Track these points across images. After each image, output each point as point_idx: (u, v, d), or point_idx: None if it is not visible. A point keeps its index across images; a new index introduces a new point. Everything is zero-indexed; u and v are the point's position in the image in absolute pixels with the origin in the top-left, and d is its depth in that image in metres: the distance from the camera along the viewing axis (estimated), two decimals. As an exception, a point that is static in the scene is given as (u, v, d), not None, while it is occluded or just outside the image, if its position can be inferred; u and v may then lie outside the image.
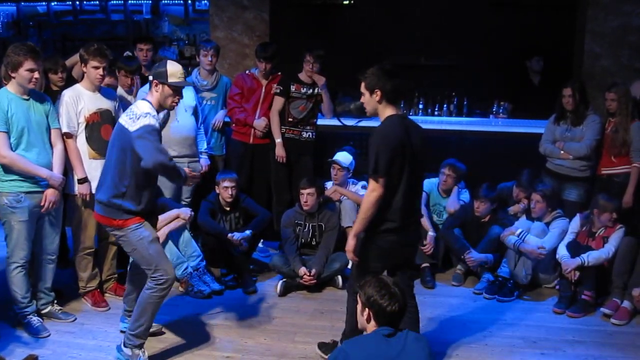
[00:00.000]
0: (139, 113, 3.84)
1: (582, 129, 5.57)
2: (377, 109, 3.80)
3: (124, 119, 3.92)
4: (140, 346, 4.09)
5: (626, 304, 4.97)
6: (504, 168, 6.09)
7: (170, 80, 3.91)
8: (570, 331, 4.79)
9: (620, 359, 4.38)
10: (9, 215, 4.40)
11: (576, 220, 5.41)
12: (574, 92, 5.52)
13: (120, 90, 5.39)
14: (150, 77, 3.98)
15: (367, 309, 2.99)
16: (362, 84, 3.82)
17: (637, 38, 6.49)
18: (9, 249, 4.47)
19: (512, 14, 7.52)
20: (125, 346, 4.08)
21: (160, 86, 3.93)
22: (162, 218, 5.18)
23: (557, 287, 5.34)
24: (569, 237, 5.35)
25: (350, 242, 3.85)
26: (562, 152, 5.61)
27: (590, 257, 5.09)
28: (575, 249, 5.21)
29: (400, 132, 3.70)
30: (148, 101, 3.95)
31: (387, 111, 3.78)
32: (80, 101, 4.67)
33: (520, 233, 5.36)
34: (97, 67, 4.63)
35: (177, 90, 3.97)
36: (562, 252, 5.24)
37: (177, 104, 4.06)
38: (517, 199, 5.85)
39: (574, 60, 6.98)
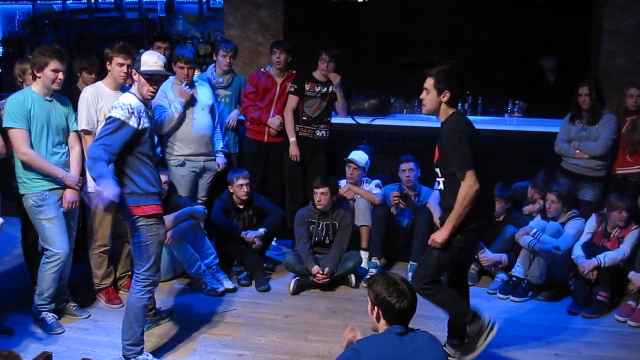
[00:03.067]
0: (115, 104, 3.87)
1: (597, 128, 5.52)
2: (439, 108, 3.78)
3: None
4: (141, 352, 4.06)
5: (643, 305, 4.93)
6: (518, 167, 6.06)
7: (142, 68, 3.90)
8: (585, 332, 4.76)
9: (635, 360, 4.35)
10: (38, 215, 4.45)
11: (592, 221, 5.37)
12: (591, 91, 5.48)
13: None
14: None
15: (376, 307, 2.98)
16: (431, 82, 3.77)
17: (654, 36, 6.44)
18: (47, 247, 4.50)
19: (527, 13, 7.47)
20: (126, 358, 4.03)
21: (137, 75, 3.95)
22: (175, 216, 5.21)
23: (572, 287, 5.30)
24: (584, 238, 5.31)
25: (444, 234, 3.79)
26: (577, 151, 5.57)
27: (607, 258, 5.05)
28: (591, 249, 5.18)
29: (469, 126, 3.76)
30: (132, 93, 3.97)
31: (449, 111, 3.78)
32: (101, 99, 4.68)
33: (535, 233, 5.33)
34: (121, 65, 4.64)
35: (151, 79, 3.93)
36: (578, 252, 5.20)
37: (153, 94, 3.99)
38: (532, 200, 5.82)
39: (590, 58, 6.93)
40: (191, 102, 5.56)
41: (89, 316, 4.82)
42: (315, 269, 5.34)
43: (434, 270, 3.90)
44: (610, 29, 6.62)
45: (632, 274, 4.98)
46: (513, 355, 4.38)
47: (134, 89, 3.98)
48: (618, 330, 4.80)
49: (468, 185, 3.66)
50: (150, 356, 4.11)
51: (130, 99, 3.89)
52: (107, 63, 4.71)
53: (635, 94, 5.42)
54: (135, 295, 4.02)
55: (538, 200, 5.74)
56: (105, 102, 4.65)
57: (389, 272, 3.42)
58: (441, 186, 3.92)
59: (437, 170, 3.90)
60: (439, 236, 3.82)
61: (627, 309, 4.97)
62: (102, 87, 4.75)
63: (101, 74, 5.01)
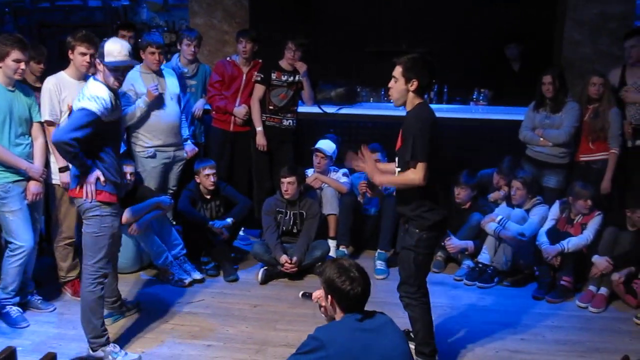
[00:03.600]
0: (88, 94, 3.77)
1: (561, 116, 5.59)
2: (406, 97, 3.72)
3: (74, 102, 3.86)
4: (106, 343, 4.02)
5: (603, 290, 5.03)
6: (484, 155, 6.12)
7: (107, 59, 3.80)
8: (549, 316, 4.84)
9: (598, 344, 4.43)
10: (1, 208, 4.38)
11: (555, 207, 5.46)
12: (554, 80, 5.55)
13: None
14: (96, 56, 3.91)
15: (329, 296, 2.95)
16: (399, 70, 3.69)
17: (616, 25, 6.51)
18: (11, 240, 4.43)
19: (493, 1, 7.51)
20: (93, 351, 4.00)
21: (101, 66, 3.85)
22: (142, 207, 5.16)
23: (537, 273, 5.38)
24: (548, 224, 5.39)
25: (381, 179, 3.95)
26: (541, 139, 5.64)
27: (570, 244, 5.14)
28: (555, 235, 5.26)
29: (433, 117, 3.72)
30: (99, 81, 3.86)
31: (416, 100, 3.73)
32: (64, 89, 4.59)
33: (500, 220, 5.39)
34: (84, 54, 4.55)
35: (116, 70, 3.84)
36: (542, 238, 5.28)
37: (120, 84, 3.92)
38: (498, 186, 5.89)
39: (554, 47, 7.00)
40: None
41: (55, 309, 4.77)
42: (284, 258, 5.34)
43: (416, 277, 3.85)
44: (574, 18, 6.69)
45: (595, 258, 5.07)
46: (480, 340, 4.44)
47: (100, 77, 3.89)
48: (581, 314, 4.89)
49: (416, 176, 3.61)
50: (118, 347, 4.07)
51: (100, 90, 3.79)
52: (69, 52, 4.62)
53: (598, 82, 5.50)
54: (87, 289, 3.97)
55: (503, 186, 5.80)
56: (68, 92, 4.56)
57: (338, 257, 3.36)
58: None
59: (396, 159, 3.87)
60: (377, 179, 3.93)
61: (587, 295, 5.07)
62: (64, 77, 4.65)
63: (50, 64, 4.90)
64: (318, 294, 3.13)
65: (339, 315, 2.97)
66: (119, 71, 3.87)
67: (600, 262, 5.05)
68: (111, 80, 3.84)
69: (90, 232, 3.94)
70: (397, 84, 3.72)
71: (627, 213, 5.15)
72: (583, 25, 6.66)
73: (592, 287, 5.10)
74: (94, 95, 3.75)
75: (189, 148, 5.84)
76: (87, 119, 3.71)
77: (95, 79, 3.90)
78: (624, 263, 5.00)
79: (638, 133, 5.60)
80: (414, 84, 3.67)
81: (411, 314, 3.92)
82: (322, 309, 3.09)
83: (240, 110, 6.05)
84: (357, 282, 2.88)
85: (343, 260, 3.05)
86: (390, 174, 3.90)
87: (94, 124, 3.73)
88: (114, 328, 4.44)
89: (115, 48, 3.83)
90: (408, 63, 3.68)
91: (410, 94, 3.70)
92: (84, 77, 4.64)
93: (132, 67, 4.11)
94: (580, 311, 4.95)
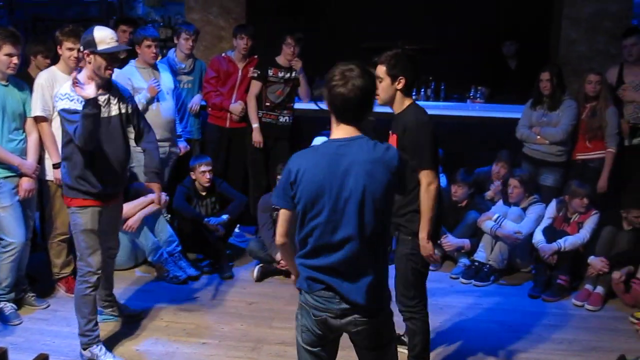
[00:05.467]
0: (59, 94, 3.73)
1: (558, 113, 5.58)
2: (394, 97, 3.50)
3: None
4: (91, 343, 3.97)
5: (599, 289, 5.02)
6: (481, 153, 6.11)
7: (100, 47, 3.67)
8: (545, 315, 4.83)
9: (594, 342, 4.43)
10: None
11: (552, 206, 5.45)
12: (552, 77, 5.54)
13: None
14: (81, 48, 3.78)
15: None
16: (383, 69, 3.45)
17: (612, 24, 6.51)
18: (2, 236, 4.41)
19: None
20: (83, 350, 3.98)
21: (91, 56, 3.71)
22: (136, 203, 5.15)
23: (533, 271, 5.38)
24: (545, 222, 5.38)
25: (427, 247, 3.50)
26: (538, 137, 5.63)
27: (567, 243, 5.14)
28: (551, 234, 5.26)
29: (430, 119, 3.52)
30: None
31: (406, 100, 3.52)
32: (56, 84, 4.55)
33: (497, 218, 5.38)
34: (71, 49, 4.52)
35: (111, 58, 3.74)
36: (539, 237, 5.27)
37: (112, 72, 3.81)
38: (498, 177, 5.82)
39: (550, 45, 6.99)
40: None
41: (49, 306, 4.73)
42: (279, 255, 5.31)
43: (415, 287, 3.67)
44: (570, 16, 6.68)
45: (591, 259, 5.07)
46: (475, 339, 4.43)
47: (84, 72, 3.77)
48: (577, 313, 4.89)
49: (428, 183, 3.44)
50: (104, 349, 3.99)
51: (63, 87, 3.75)
52: (58, 47, 4.59)
53: (594, 80, 5.48)
54: (77, 287, 3.96)
55: (503, 175, 5.71)
56: (60, 87, 4.53)
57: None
58: None
59: None
60: (424, 251, 3.53)
61: (584, 293, 5.06)
62: (56, 72, 4.62)
63: (56, 59, 4.87)
64: None
65: (333, 126, 2.70)
66: (113, 58, 3.77)
67: (595, 262, 5.05)
68: (103, 70, 3.73)
69: (72, 230, 3.95)
70: (383, 84, 3.47)
71: (622, 213, 5.15)
72: (579, 24, 6.65)
73: (588, 286, 5.09)
74: (64, 93, 3.71)
75: (182, 145, 5.82)
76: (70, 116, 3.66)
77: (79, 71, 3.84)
78: (621, 262, 4.99)
79: (635, 132, 5.60)
80: (401, 82, 3.46)
81: (411, 327, 3.73)
82: None
83: (236, 107, 6.01)
84: (350, 83, 2.57)
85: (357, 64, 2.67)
86: (425, 216, 3.49)
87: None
88: (109, 325, 4.43)
89: (107, 34, 3.72)
90: (392, 61, 3.45)
91: (399, 94, 3.50)
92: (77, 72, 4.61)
93: (123, 56, 4.03)
94: (577, 310, 4.94)
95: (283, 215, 2.72)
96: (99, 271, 3.95)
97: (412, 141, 3.46)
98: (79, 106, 3.61)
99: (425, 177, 3.44)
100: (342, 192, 2.56)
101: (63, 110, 3.69)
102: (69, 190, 3.86)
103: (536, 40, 7.14)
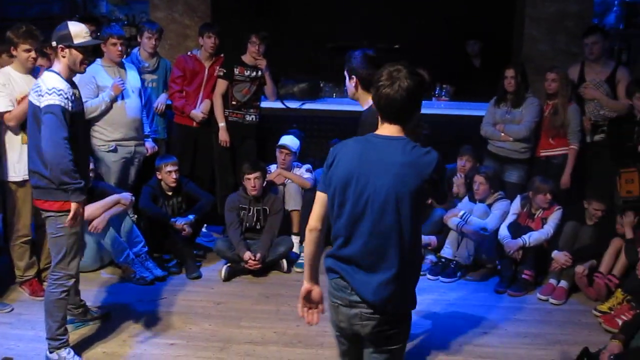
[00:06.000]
0: (44, 89, 3.62)
1: (521, 111, 5.66)
2: (355, 94, 3.61)
3: (32, 96, 3.71)
4: (61, 346, 3.90)
5: (563, 283, 5.11)
6: (446, 150, 6.13)
7: (76, 41, 3.67)
8: (511, 310, 4.90)
9: (559, 336, 4.50)
10: None
11: (516, 202, 5.52)
12: (516, 74, 5.61)
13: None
14: (54, 43, 3.73)
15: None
16: (345, 68, 3.62)
17: (573, 24, 6.61)
18: None
19: (453, -2, 7.60)
20: (50, 352, 3.91)
21: (67, 50, 3.70)
22: (102, 203, 5.08)
23: (499, 267, 5.44)
24: (510, 219, 5.46)
25: None
26: (502, 134, 5.70)
27: (532, 238, 5.21)
28: (516, 229, 5.33)
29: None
30: (55, 72, 3.72)
31: (367, 99, 3.50)
32: (15, 85, 4.49)
33: (463, 215, 5.44)
34: (29, 50, 4.45)
35: (86, 52, 3.74)
36: (504, 233, 5.34)
37: (87, 66, 3.81)
38: (464, 170, 5.82)
39: (513, 44, 7.08)
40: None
41: (12, 310, 4.66)
42: (247, 254, 5.30)
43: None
44: (532, 15, 6.77)
45: (555, 253, 5.16)
46: (443, 334, 4.47)
47: (57, 67, 3.73)
48: (542, 307, 4.96)
49: None
50: (72, 353, 3.93)
51: (56, 82, 3.65)
52: (12, 49, 4.51)
53: (550, 77, 5.56)
54: (48, 289, 3.89)
55: (469, 167, 5.75)
56: (16, 86, 4.48)
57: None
58: None
59: None
60: None
61: (548, 288, 5.15)
62: (11, 72, 4.56)
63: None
64: None
65: (379, 124, 2.72)
66: (89, 51, 3.78)
67: (559, 256, 5.14)
68: (78, 64, 3.72)
69: (48, 232, 3.86)
70: (347, 82, 3.63)
71: (584, 205, 5.25)
72: (541, 23, 6.74)
73: (552, 280, 5.18)
74: (52, 88, 3.61)
75: (149, 145, 5.78)
76: (55, 116, 3.57)
77: (50, 70, 3.76)
78: (584, 256, 5.09)
79: (596, 128, 5.70)
80: (354, 80, 3.56)
81: None
82: None
83: (196, 115, 5.97)
84: (393, 84, 2.59)
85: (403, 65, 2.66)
86: None
87: (64, 116, 3.61)
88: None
89: (82, 29, 3.73)
90: (348, 60, 3.58)
91: (360, 90, 3.58)
92: (32, 71, 4.56)
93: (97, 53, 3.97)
94: (541, 304, 5.02)
95: (319, 197, 2.76)
96: (77, 275, 3.90)
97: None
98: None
99: None
100: (366, 187, 2.59)
101: (50, 106, 3.60)
102: (47, 194, 3.76)
103: (499, 39, 7.23)
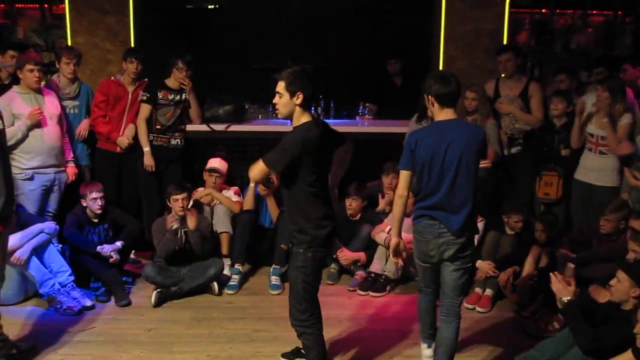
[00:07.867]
0: None
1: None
2: (293, 111, 3.65)
3: None
4: None
5: (488, 291, 5.28)
6: (371, 167, 6.27)
7: None
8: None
9: (485, 343, 4.64)
10: None
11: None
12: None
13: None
14: None
15: (430, 97, 3.79)
16: (282, 85, 3.63)
17: (488, 41, 6.88)
18: None
19: (374, 19, 7.78)
20: None
21: None
22: (25, 233, 4.95)
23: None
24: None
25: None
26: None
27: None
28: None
29: (313, 138, 3.62)
30: None
31: (303, 116, 3.66)
32: None
33: (389, 230, 5.54)
34: None
35: None
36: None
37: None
38: (390, 187, 5.90)
39: (432, 62, 7.30)
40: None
41: None
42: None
43: (306, 300, 3.74)
44: (449, 34, 7.01)
45: (479, 263, 5.33)
46: (375, 348, 4.55)
47: None
48: (469, 315, 5.07)
49: (252, 178, 3.79)
50: None
51: None
52: None
53: (470, 96, 5.74)
54: None
55: (395, 184, 5.83)
56: None
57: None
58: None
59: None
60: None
61: (474, 296, 5.30)
62: None
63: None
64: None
65: (436, 112, 3.80)
66: None
67: (483, 265, 5.31)
68: None
69: None
70: (283, 99, 3.65)
71: (504, 219, 5.46)
72: (458, 41, 6.99)
73: (478, 289, 5.34)
74: None
75: (71, 171, 5.71)
76: None
77: None
78: (506, 264, 5.28)
79: (513, 142, 5.94)
80: (299, 97, 3.61)
81: (305, 342, 3.83)
82: None
83: (122, 141, 5.93)
84: (451, 82, 3.78)
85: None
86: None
87: None
88: (-1, 363, 4.23)
89: None
90: (290, 77, 3.63)
91: (297, 109, 3.65)
92: None
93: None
94: (468, 313, 5.12)
95: (404, 175, 3.83)
96: None
97: (280, 141, 3.63)
98: None
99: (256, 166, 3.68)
100: (446, 156, 3.66)
101: None
102: None
103: (419, 58, 7.44)
